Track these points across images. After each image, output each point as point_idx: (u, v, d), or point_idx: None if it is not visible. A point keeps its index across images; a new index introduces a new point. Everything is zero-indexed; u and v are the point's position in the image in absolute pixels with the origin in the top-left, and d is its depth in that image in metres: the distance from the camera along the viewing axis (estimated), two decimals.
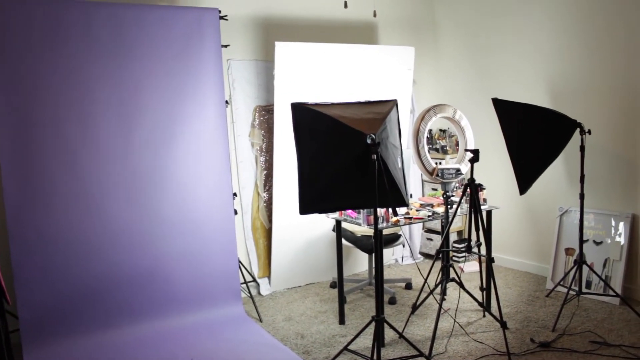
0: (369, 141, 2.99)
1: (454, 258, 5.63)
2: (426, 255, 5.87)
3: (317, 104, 3.20)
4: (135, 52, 4.01)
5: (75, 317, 3.88)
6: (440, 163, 4.26)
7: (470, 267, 5.40)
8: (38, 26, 3.71)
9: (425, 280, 3.79)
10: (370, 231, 4.44)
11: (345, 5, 4.30)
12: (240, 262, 4.59)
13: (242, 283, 4.68)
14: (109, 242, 4.00)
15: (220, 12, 4.30)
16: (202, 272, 4.32)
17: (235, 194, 4.57)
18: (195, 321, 4.19)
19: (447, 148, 5.70)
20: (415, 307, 4.07)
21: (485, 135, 5.40)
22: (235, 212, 4.51)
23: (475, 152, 3.67)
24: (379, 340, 3.17)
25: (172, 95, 4.15)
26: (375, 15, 4.48)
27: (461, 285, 3.83)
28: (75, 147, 3.87)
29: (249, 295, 4.60)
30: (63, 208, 3.85)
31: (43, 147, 3.78)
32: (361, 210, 3.93)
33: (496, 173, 5.39)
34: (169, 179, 4.18)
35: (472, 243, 3.83)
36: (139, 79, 4.04)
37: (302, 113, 3.19)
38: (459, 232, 5.84)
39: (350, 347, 3.66)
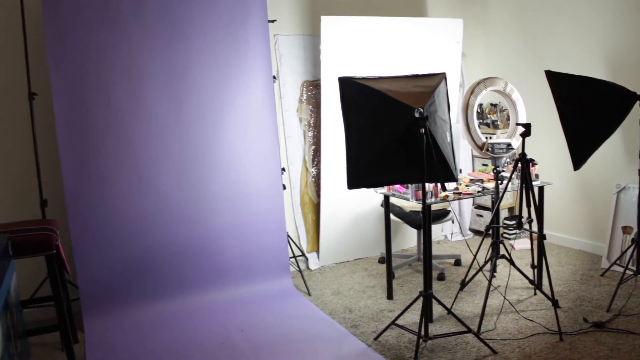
0: (417, 115, 2.95)
1: (505, 235, 5.54)
2: (476, 232, 5.79)
3: (364, 78, 3.17)
4: (184, 30, 4.06)
5: (130, 289, 4.02)
6: (490, 138, 4.18)
7: (521, 245, 5.30)
8: (90, 6, 3.79)
9: (475, 256, 3.74)
10: (418, 206, 4.40)
11: None
12: (289, 236, 4.64)
13: (291, 257, 4.73)
14: (161, 217, 4.10)
15: None
16: (251, 247, 4.39)
17: (283, 169, 4.60)
18: (245, 294, 4.27)
19: (498, 122, 5.57)
20: (463, 284, 4.03)
21: (537, 109, 5.25)
22: (284, 187, 4.54)
23: (527, 126, 3.58)
24: (426, 315, 3.16)
25: (220, 71, 4.19)
26: None
27: (511, 262, 3.76)
28: (128, 124, 3.96)
29: (297, 269, 4.65)
30: (117, 184, 3.96)
31: (97, 125, 3.88)
32: (409, 185, 3.90)
33: (549, 148, 5.24)
34: (218, 155, 4.24)
35: (522, 219, 3.76)
36: (187, 57, 4.09)
37: (349, 87, 3.17)
38: (510, 209, 5.73)
39: (398, 322, 3.66)
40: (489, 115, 5.65)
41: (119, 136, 3.94)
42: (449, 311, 3.32)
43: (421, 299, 3.27)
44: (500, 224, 5.32)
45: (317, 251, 5.08)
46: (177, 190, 4.14)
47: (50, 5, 3.69)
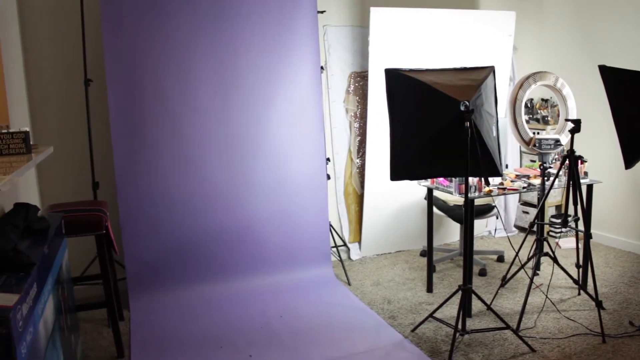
0: (462, 108, 2.93)
1: (551, 233, 5.43)
2: (521, 229, 5.70)
3: (410, 70, 3.17)
4: (234, 19, 4.12)
5: (174, 271, 4.14)
6: (538, 133, 4.10)
7: (567, 244, 5.18)
8: None
9: (517, 253, 3.69)
10: (462, 200, 4.37)
11: None
12: (331, 226, 4.67)
13: (333, 247, 4.77)
14: (206, 203, 4.20)
15: None
16: (294, 234, 4.45)
17: (328, 159, 4.63)
18: (285, 282, 4.34)
19: (549, 118, 5.45)
20: (504, 280, 3.98)
21: (589, 105, 5.11)
22: (328, 177, 4.58)
23: (577, 122, 3.49)
24: (464, 309, 3.15)
25: (268, 61, 4.24)
26: None
27: (555, 260, 3.70)
28: (177, 111, 4.06)
29: (338, 259, 4.68)
30: (165, 169, 4.07)
31: (148, 111, 4.00)
32: (453, 179, 3.88)
33: (600, 146, 5.10)
34: (264, 142, 4.30)
35: (568, 218, 3.68)
36: (236, 45, 4.15)
37: (396, 79, 3.17)
38: (558, 207, 5.61)
39: (436, 315, 3.66)
40: (539, 111, 5.53)
41: (168, 123, 4.05)
42: (488, 307, 3.30)
43: (460, 293, 3.25)
44: (546, 221, 5.22)
45: (359, 242, 5.10)
46: (223, 177, 4.22)
47: None
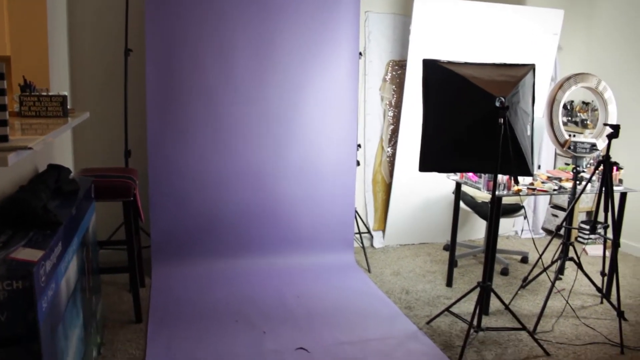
0: (497, 104, 2.88)
1: (579, 239, 5.34)
2: (549, 232, 5.62)
3: (449, 62, 3.13)
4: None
5: (198, 243, 4.20)
6: (574, 135, 4.02)
7: (594, 251, 5.09)
8: None
9: (540, 255, 3.64)
10: (490, 197, 4.32)
11: None
12: (357, 212, 4.68)
13: (356, 233, 4.78)
14: (236, 178, 4.24)
15: None
16: (318, 217, 4.47)
17: (359, 146, 4.63)
18: (306, 263, 4.37)
19: (588, 122, 5.33)
20: (525, 281, 3.93)
21: (631, 111, 4.98)
22: (358, 164, 4.57)
23: (616, 128, 3.41)
24: (481, 305, 3.13)
25: (307, 43, 4.23)
26: None
27: (579, 265, 3.64)
28: (213, 86, 4.09)
29: (361, 245, 4.69)
30: (197, 143, 4.12)
31: (184, 85, 4.04)
32: (482, 175, 3.84)
33: (639, 154, 4.97)
34: (297, 125, 4.31)
35: (598, 224, 3.61)
36: (275, 25, 4.15)
37: (433, 70, 3.15)
38: (589, 213, 5.50)
39: (453, 309, 3.65)
40: (578, 114, 5.42)
41: (203, 97, 4.09)
42: (506, 306, 3.27)
43: (478, 289, 3.23)
44: (575, 226, 5.13)
45: (383, 230, 5.10)
46: (254, 155, 4.26)
47: None
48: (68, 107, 2.95)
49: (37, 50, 3.28)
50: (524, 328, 3.23)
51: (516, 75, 3.10)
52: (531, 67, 3.16)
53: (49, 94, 2.88)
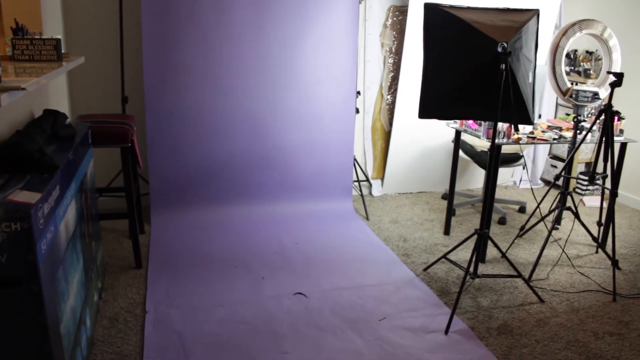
0: (499, 49, 2.83)
1: (577, 190, 5.35)
2: (547, 182, 5.62)
3: (451, 7, 3.05)
4: None
5: (197, 190, 4.20)
6: (577, 84, 3.96)
7: (592, 202, 5.11)
8: None
9: (538, 204, 3.66)
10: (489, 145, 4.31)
11: None
12: (355, 160, 4.67)
13: (355, 181, 4.78)
14: (234, 126, 4.21)
15: None
16: (317, 165, 4.46)
17: (358, 93, 4.58)
18: (305, 210, 4.39)
19: (591, 72, 5.26)
20: (522, 230, 3.96)
21: (636, 61, 4.90)
22: (357, 111, 4.54)
23: (619, 76, 3.35)
24: (478, 252, 3.15)
25: None
26: None
27: (577, 215, 3.65)
28: (209, 34, 4.01)
29: (360, 193, 4.70)
30: (194, 90, 4.07)
31: (180, 32, 3.95)
32: (482, 123, 3.81)
33: None
34: (296, 71, 4.25)
35: (596, 174, 3.61)
36: None
37: (435, 14, 3.07)
38: (588, 164, 5.50)
39: (450, 256, 3.68)
40: (582, 63, 5.34)
41: (200, 45, 4.01)
42: (503, 254, 3.30)
43: (475, 237, 3.25)
44: (573, 176, 5.13)
45: (382, 179, 5.10)
46: (252, 102, 4.21)
47: None
48: (62, 51, 2.89)
49: None
50: (519, 275, 3.27)
51: (519, 20, 3.03)
52: (535, 13, 3.08)
53: (42, 37, 2.82)
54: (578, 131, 3.81)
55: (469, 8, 3.07)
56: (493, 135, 3.04)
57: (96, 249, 3.01)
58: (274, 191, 4.41)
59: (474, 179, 5.40)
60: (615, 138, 3.83)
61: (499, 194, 5.23)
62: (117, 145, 3.24)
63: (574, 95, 3.77)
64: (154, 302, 3.01)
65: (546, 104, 5.35)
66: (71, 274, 2.27)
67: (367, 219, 4.44)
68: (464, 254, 3.83)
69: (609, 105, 3.41)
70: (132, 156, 3.48)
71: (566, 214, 4.63)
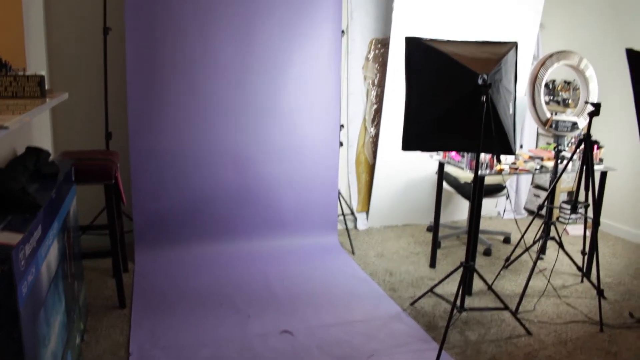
0: (480, 81, 2.87)
1: (560, 219, 5.39)
2: (531, 212, 5.66)
3: (432, 40, 3.11)
4: None
5: (181, 227, 4.17)
6: (556, 114, 4.03)
7: (576, 231, 5.15)
8: None
9: (522, 235, 3.67)
10: (472, 177, 4.34)
11: None
12: (340, 194, 4.67)
13: (340, 215, 4.77)
14: (218, 160, 4.20)
15: None
16: (301, 199, 4.45)
17: (342, 126, 4.60)
18: (290, 245, 4.36)
19: (570, 101, 5.36)
20: (508, 261, 3.97)
21: (612, 90, 4.99)
22: (341, 144, 4.56)
23: (597, 106, 3.42)
24: (464, 285, 3.15)
25: (289, 21, 4.18)
26: None
27: (561, 245, 3.67)
28: (194, 67, 4.03)
29: (345, 227, 4.69)
30: (179, 125, 4.07)
31: (165, 65, 3.97)
32: (465, 154, 3.84)
33: (619, 133, 5.01)
34: (280, 105, 4.27)
35: (578, 204, 3.64)
36: (257, 4, 4.08)
37: (416, 47, 3.12)
38: (570, 193, 5.55)
39: (437, 290, 3.67)
40: (560, 93, 5.44)
41: (185, 78, 4.02)
42: (489, 286, 3.29)
43: (461, 270, 3.25)
44: (557, 205, 5.18)
45: (367, 212, 5.10)
46: (235, 137, 4.21)
47: None
48: (46, 87, 2.88)
49: (12, 29, 3.20)
50: (506, 308, 3.26)
51: (499, 52, 3.09)
52: (513, 45, 3.14)
53: (25, 74, 2.81)
54: (559, 161, 3.85)
55: (449, 41, 3.12)
56: (476, 166, 3.07)
57: (79, 289, 2.96)
58: (259, 226, 4.38)
59: (458, 210, 5.42)
60: (596, 167, 3.88)
61: (483, 224, 5.25)
62: (101, 183, 3.21)
63: (553, 125, 3.83)
64: (138, 343, 2.95)
65: (527, 134, 5.43)
66: (53, 316, 2.22)
67: (353, 253, 4.42)
68: (450, 287, 3.81)
69: (587, 134, 3.46)
70: (116, 193, 3.45)
71: (550, 244, 4.65)
